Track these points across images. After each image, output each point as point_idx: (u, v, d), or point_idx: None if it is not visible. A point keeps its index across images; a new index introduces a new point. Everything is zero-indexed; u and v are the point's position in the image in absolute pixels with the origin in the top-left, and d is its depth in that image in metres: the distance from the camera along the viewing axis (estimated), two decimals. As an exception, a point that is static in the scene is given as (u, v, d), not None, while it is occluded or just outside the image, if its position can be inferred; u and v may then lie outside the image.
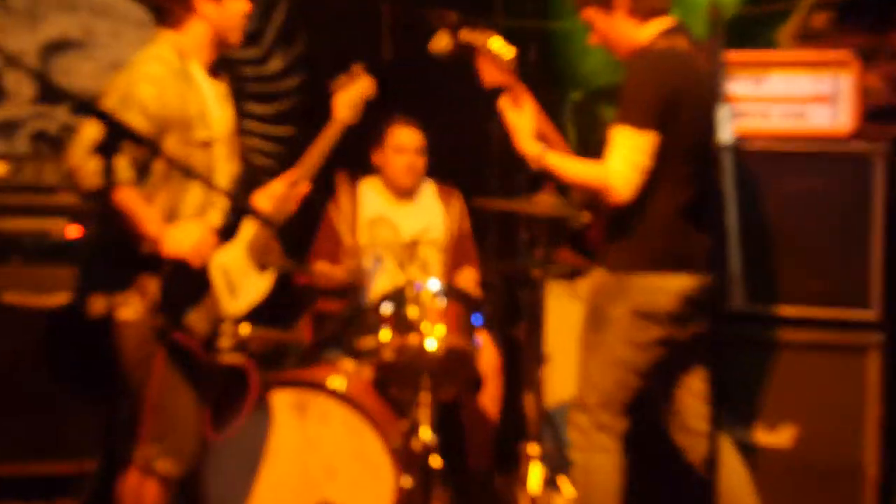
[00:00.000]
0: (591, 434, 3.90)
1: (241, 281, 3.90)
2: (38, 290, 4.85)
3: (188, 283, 3.68)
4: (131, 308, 3.66)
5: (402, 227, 5.26)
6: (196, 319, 3.68)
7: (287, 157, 6.05)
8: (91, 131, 3.57)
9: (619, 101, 3.79)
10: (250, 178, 4.10)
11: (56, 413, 4.80)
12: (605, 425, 3.89)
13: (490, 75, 3.91)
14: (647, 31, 3.88)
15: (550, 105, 6.38)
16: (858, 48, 4.97)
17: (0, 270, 4.86)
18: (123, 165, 3.58)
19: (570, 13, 6.30)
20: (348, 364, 4.71)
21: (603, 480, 3.87)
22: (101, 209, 3.76)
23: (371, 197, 5.31)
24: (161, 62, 3.73)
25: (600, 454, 3.89)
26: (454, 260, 5.32)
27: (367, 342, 4.66)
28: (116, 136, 3.00)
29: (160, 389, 3.59)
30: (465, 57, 3.92)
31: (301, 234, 5.32)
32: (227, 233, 3.88)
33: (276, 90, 6.19)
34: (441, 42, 3.92)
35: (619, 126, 3.73)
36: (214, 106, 3.88)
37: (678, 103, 3.75)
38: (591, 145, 6.28)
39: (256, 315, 4.02)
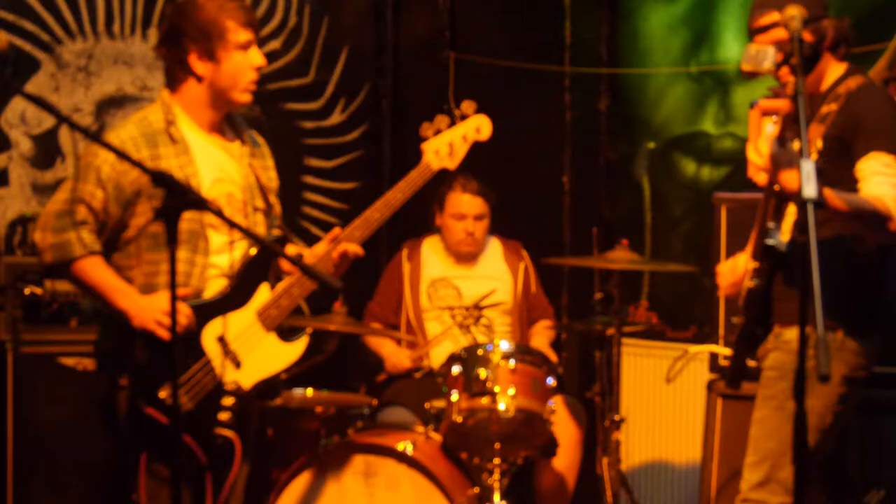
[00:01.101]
0: None
1: (247, 350, 3.80)
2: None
3: (164, 355, 3.59)
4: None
5: (464, 290, 5.33)
6: (171, 393, 3.59)
7: (351, 213, 6.15)
8: (54, 204, 3.68)
9: (864, 128, 3.68)
10: (281, 236, 3.94)
11: (111, 476, 4.90)
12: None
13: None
14: (837, 72, 3.86)
15: (624, 155, 6.48)
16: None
17: (58, 333, 5.00)
18: (88, 237, 3.64)
19: (642, 60, 6.38)
20: (417, 427, 4.75)
21: None
22: (72, 283, 3.79)
23: (433, 258, 5.41)
24: (140, 126, 3.74)
25: None
26: (527, 320, 5.38)
27: (435, 404, 4.75)
28: (178, 199, 2.98)
29: (147, 473, 3.61)
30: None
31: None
32: (235, 298, 3.81)
33: (339, 143, 6.29)
34: (765, 58, 3.54)
35: (878, 153, 3.63)
36: (210, 167, 3.82)
37: None
38: (667, 196, 6.33)
39: (323, 379, 4.04)
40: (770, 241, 3.73)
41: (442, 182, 5.20)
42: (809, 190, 3.14)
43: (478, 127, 4.15)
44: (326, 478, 4.49)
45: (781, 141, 3.47)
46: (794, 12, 3.44)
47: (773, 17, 3.81)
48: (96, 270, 3.66)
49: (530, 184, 6.19)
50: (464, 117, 4.15)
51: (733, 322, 3.91)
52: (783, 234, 3.77)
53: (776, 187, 3.56)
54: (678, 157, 6.24)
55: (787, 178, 3.48)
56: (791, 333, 3.79)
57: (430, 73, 6.28)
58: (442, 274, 5.36)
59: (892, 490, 4.42)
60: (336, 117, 6.27)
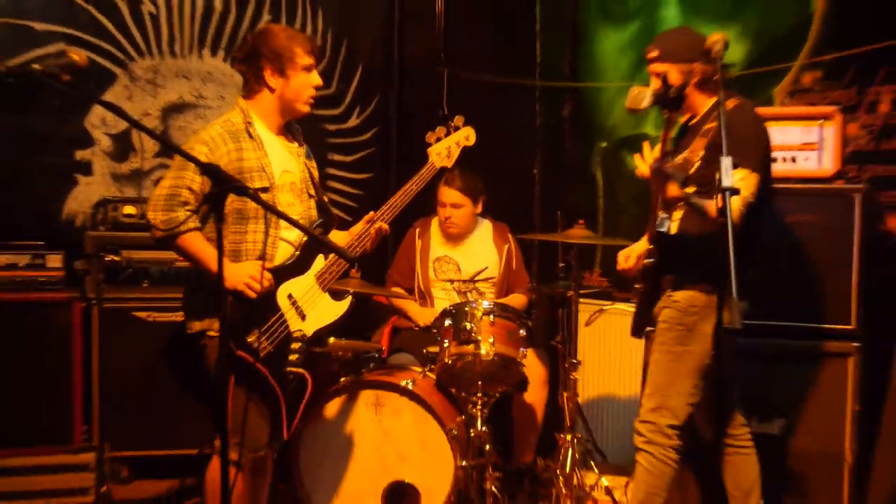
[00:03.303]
0: (666, 433, 3.86)
1: (310, 306, 3.90)
2: (162, 308, 5.02)
3: (250, 310, 3.72)
4: (214, 330, 3.78)
5: (462, 265, 5.32)
6: (257, 339, 3.73)
7: (366, 198, 6.20)
8: (162, 189, 3.72)
9: (729, 145, 3.54)
10: (328, 219, 4.07)
11: (177, 408, 4.95)
12: (682, 427, 3.87)
13: (671, 130, 3.64)
14: (708, 102, 3.92)
15: (582, 152, 6.50)
16: (841, 102, 5.00)
17: (132, 292, 5.04)
18: (191, 217, 3.70)
19: (597, 76, 6.40)
20: (416, 368, 4.80)
21: (669, 471, 3.88)
22: (175, 252, 3.82)
23: (437, 238, 5.40)
24: (225, 125, 3.80)
25: (674, 452, 3.87)
26: (508, 288, 5.36)
27: (431, 350, 4.80)
28: (223, 186, 3.03)
29: (233, 395, 3.62)
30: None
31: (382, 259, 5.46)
32: (300, 266, 3.91)
33: (355, 142, 6.29)
34: (643, 98, 3.62)
35: (735, 168, 3.53)
36: (278, 160, 3.90)
37: (769, 149, 3.82)
38: (616, 186, 6.35)
39: (343, 329, 4.09)
40: (661, 229, 3.79)
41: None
42: (726, 180, 3.19)
43: (467, 135, 4.31)
44: (345, 408, 4.54)
45: (664, 156, 3.53)
46: (718, 37, 3.49)
47: (654, 52, 3.93)
48: (196, 242, 3.71)
49: (507, 175, 6.19)
50: (456, 128, 4.30)
51: (636, 288, 3.98)
52: (672, 223, 3.84)
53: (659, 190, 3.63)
54: (625, 154, 6.24)
55: (665, 189, 3.58)
56: (679, 295, 3.87)
57: (427, 85, 6.26)
58: (443, 252, 5.35)
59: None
60: (353, 121, 6.28)
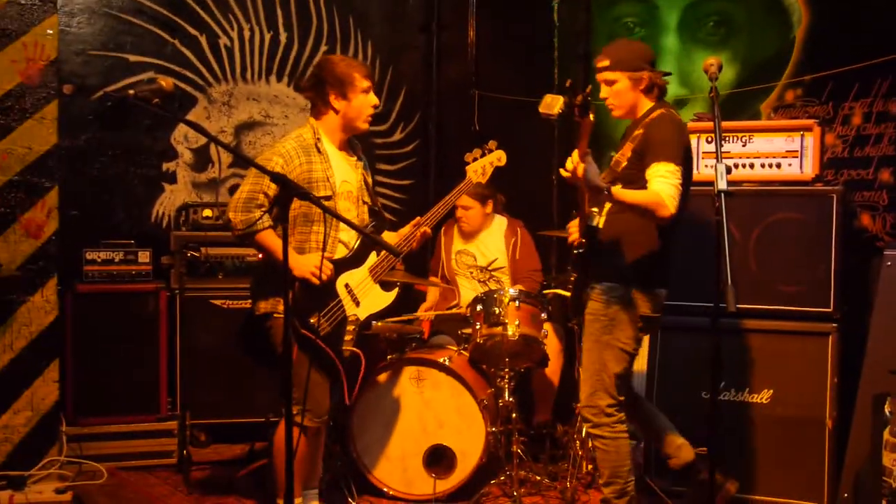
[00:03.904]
0: (607, 412, 3.76)
1: (363, 295, 3.88)
2: (234, 297, 5.01)
3: (313, 295, 3.70)
4: (278, 311, 3.75)
5: (478, 257, 5.28)
6: (318, 320, 3.70)
7: (408, 201, 6.17)
8: (241, 193, 3.70)
9: (652, 146, 3.61)
10: (379, 222, 4.04)
11: (247, 382, 4.95)
12: (620, 402, 3.78)
13: (584, 134, 3.35)
14: (647, 106, 3.80)
15: (596, 158, 6.43)
16: (819, 116, 4.96)
17: (209, 283, 5.05)
18: (264, 216, 3.69)
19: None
20: (452, 347, 4.77)
21: (624, 443, 3.78)
22: (252, 247, 3.81)
23: (457, 235, 5.35)
24: (297, 140, 3.79)
25: (620, 425, 3.77)
26: (516, 278, 5.28)
27: (465, 331, 4.76)
28: (290, 191, 3.03)
29: (297, 368, 3.58)
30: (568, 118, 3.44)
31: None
32: (356, 260, 3.88)
33: (399, 153, 6.27)
34: (555, 105, 3.49)
35: (661, 163, 3.55)
36: (339, 171, 3.87)
37: (688, 152, 3.71)
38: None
39: (390, 314, 4.06)
40: (590, 223, 3.68)
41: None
42: (721, 184, 3.10)
43: (499, 157, 4.22)
44: (391, 381, 4.52)
45: (584, 157, 3.37)
46: (713, 60, 3.43)
47: (605, 62, 3.79)
48: (269, 238, 3.71)
49: (530, 180, 6.13)
50: (490, 151, 4.21)
51: (571, 278, 3.88)
52: (601, 218, 3.72)
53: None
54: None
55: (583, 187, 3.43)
56: (601, 287, 3.74)
57: (461, 104, 6.24)
58: (463, 246, 5.31)
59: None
60: (397, 135, 6.26)
